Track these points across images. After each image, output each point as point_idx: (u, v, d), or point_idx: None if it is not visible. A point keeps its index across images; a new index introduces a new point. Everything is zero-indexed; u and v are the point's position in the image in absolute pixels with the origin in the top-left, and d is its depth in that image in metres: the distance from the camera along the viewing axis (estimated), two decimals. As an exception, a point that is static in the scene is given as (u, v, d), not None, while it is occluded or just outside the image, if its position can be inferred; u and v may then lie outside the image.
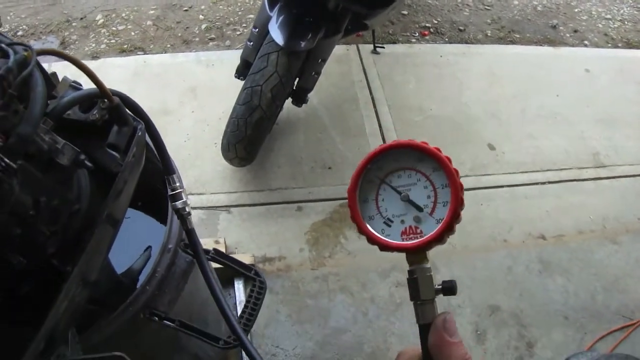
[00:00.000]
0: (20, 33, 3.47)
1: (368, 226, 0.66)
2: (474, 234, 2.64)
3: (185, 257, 1.25)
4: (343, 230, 2.57)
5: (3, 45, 0.73)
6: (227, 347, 1.27)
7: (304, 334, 2.26)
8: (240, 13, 3.75)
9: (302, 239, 2.54)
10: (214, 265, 1.38)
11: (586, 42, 3.98)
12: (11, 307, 0.86)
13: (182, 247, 1.24)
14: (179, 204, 1.07)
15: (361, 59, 3.43)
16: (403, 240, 0.65)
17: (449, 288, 0.65)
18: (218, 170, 2.73)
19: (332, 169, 2.83)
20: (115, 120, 0.91)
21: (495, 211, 2.74)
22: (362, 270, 2.45)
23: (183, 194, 1.08)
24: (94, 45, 3.45)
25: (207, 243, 2.28)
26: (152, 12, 3.71)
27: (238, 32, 3.61)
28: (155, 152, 1.05)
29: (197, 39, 3.54)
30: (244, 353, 2.06)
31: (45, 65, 0.88)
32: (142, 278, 1.16)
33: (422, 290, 0.64)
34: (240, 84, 2.46)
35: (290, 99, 2.68)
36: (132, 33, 3.54)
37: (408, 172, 0.66)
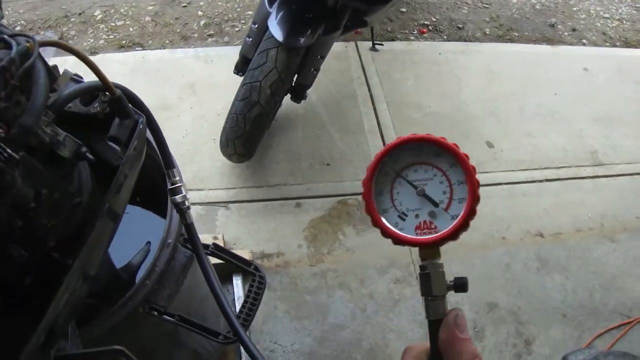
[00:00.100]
0: (18, 28, 3.46)
1: (383, 219, 0.66)
2: (471, 231, 2.58)
3: (185, 251, 1.25)
4: (341, 226, 2.57)
5: (5, 37, 0.72)
6: (227, 342, 1.27)
7: (303, 330, 2.26)
8: (238, 9, 3.75)
9: (300, 236, 2.54)
10: (214, 260, 1.38)
11: (584, 40, 3.99)
12: (11, 300, 0.85)
13: (181, 241, 1.24)
14: (178, 198, 1.07)
15: (360, 56, 3.42)
16: (417, 235, 0.65)
17: (461, 285, 0.65)
18: (216, 166, 2.73)
19: (330, 166, 2.82)
20: (117, 113, 0.91)
21: (493, 209, 2.74)
22: (361, 267, 2.45)
23: (182, 188, 1.08)
24: (92, 40, 3.44)
25: (205, 239, 2.26)
26: (150, 7, 3.70)
27: (237, 29, 3.60)
28: (155, 145, 1.05)
29: (195, 35, 3.53)
30: (242, 349, 2.07)
31: (44, 60, 0.87)
32: (142, 273, 1.16)
33: (434, 286, 0.64)
34: (239, 80, 2.45)
35: (289, 96, 2.68)
36: (131, 29, 3.53)
37: (424, 167, 0.65)
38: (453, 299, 2.35)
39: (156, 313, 1.15)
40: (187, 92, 3.06)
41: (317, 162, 2.83)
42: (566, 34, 4.01)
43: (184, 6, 3.74)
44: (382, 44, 3.49)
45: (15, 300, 0.85)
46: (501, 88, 3.39)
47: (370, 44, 3.47)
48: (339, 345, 2.23)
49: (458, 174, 0.64)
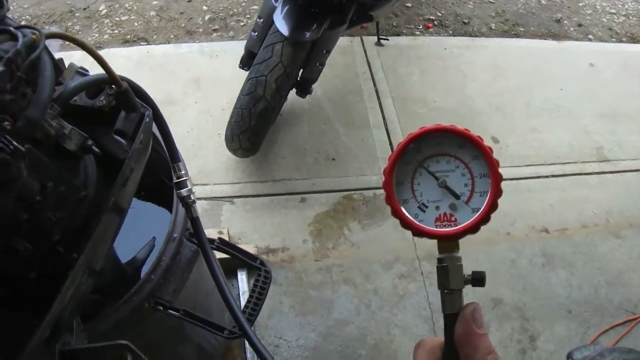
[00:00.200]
0: (22, 23, 3.45)
1: (403, 209, 0.65)
2: (477, 226, 2.63)
3: (190, 246, 1.25)
4: (347, 221, 2.57)
5: (12, 29, 0.72)
6: (232, 337, 1.27)
7: (307, 325, 2.26)
8: (243, 4, 3.73)
9: (305, 230, 2.54)
10: (219, 255, 1.38)
11: (590, 36, 3.96)
12: (17, 294, 0.85)
13: (187, 236, 1.24)
14: (184, 191, 1.07)
15: (365, 51, 3.41)
16: (437, 227, 0.64)
17: (479, 279, 0.64)
18: (222, 161, 2.72)
19: (335, 161, 2.82)
20: (123, 107, 0.90)
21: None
22: (366, 262, 2.45)
23: (188, 182, 1.08)
24: (97, 35, 3.44)
25: (210, 234, 2.26)
26: (155, 2, 3.69)
27: (242, 23, 3.59)
28: (161, 139, 1.04)
29: (200, 30, 3.52)
30: (247, 344, 2.07)
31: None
32: (147, 267, 1.16)
33: (451, 279, 0.63)
34: (244, 74, 2.45)
35: (294, 90, 2.67)
36: (136, 23, 3.52)
37: (447, 158, 0.64)
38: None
39: (161, 308, 1.14)
40: (192, 86, 3.05)
41: (322, 157, 2.83)
42: (572, 29, 3.99)
43: (189, 1, 3.72)
44: (388, 39, 3.48)
45: (20, 294, 0.85)
46: (507, 83, 3.37)
47: (375, 38, 3.45)
48: (344, 341, 2.23)
49: (481, 167, 0.63)
